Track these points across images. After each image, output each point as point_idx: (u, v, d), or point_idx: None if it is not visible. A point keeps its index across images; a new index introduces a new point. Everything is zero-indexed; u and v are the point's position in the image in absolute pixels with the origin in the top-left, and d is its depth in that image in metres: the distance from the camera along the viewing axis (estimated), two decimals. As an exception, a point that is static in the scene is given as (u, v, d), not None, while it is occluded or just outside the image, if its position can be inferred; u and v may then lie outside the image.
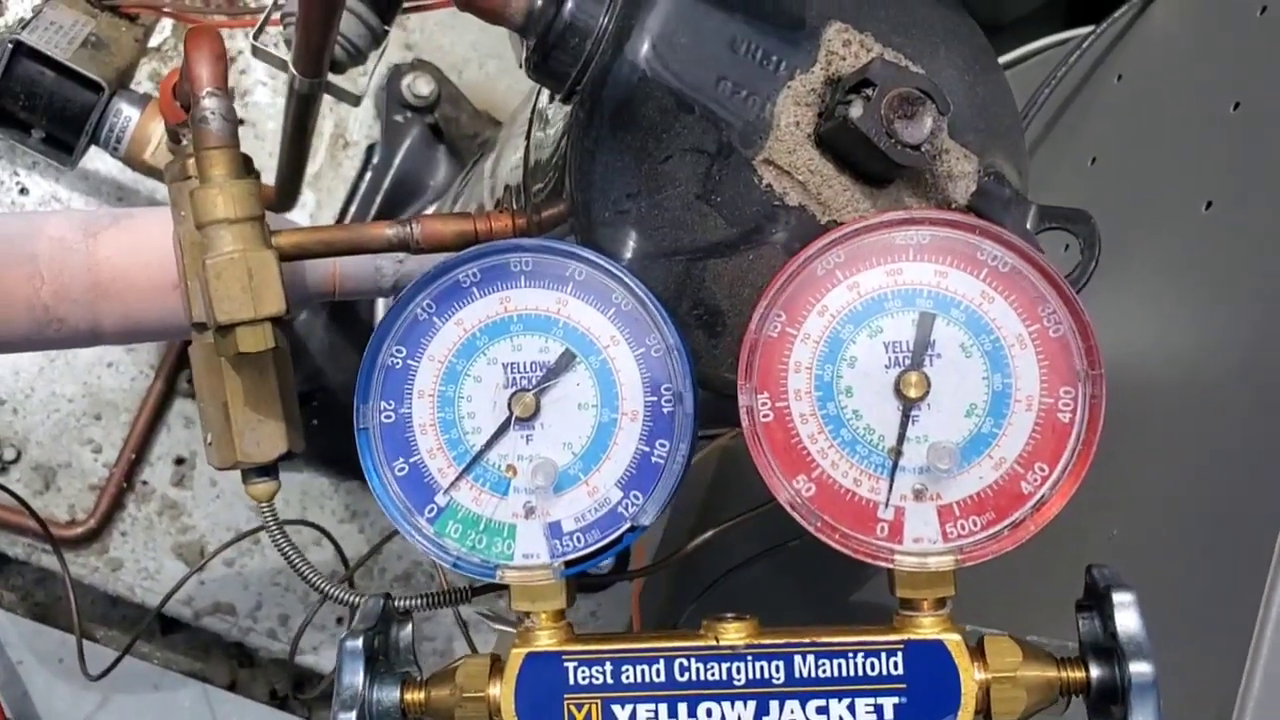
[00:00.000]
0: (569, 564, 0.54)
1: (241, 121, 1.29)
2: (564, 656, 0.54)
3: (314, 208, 1.30)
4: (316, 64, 0.73)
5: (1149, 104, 0.89)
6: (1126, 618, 0.51)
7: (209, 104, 0.58)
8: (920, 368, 0.52)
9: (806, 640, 0.53)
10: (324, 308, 1.25)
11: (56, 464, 1.22)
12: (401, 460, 0.55)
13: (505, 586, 0.56)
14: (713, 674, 0.53)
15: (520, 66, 0.62)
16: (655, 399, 0.54)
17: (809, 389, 0.53)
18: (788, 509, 0.53)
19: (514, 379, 0.55)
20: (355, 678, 0.53)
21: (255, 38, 0.78)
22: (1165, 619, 0.66)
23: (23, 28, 0.90)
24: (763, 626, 0.54)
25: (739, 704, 0.53)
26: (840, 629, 0.54)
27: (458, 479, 0.55)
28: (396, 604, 0.61)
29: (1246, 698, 0.59)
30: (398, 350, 0.55)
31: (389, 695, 0.55)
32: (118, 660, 0.96)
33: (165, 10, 1.05)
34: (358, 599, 0.63)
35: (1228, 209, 0.75)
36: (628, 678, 0.54)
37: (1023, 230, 0.59)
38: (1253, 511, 0.63)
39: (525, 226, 0.64)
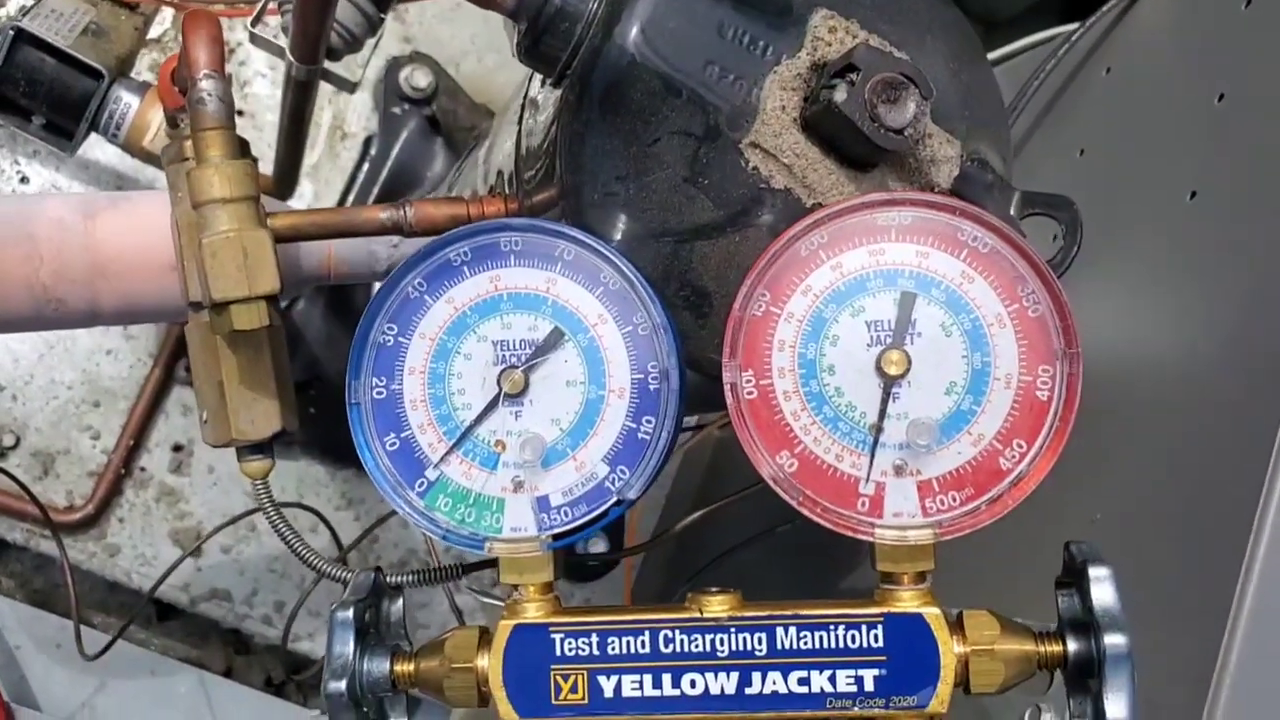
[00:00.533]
0: (556, 537, 0.55)
1: (240, 112, 1.30)
2: (551, 628, 0.55)
3: (312, 198, 1.31)
4: (313, 51, 0.74)
5: (1136, 96, 0.90)
6: (1102, 592, 0.52)
7: (205, 86, 0.59)
8: (901, 346, 0.53)
9: (789, 613, 0.54)
10: (322, 298, 1.26)
11: (55, 450, 1.23)
12: (393, 435, 0.56)
13: (495, 562, 0.57)
14: (697, 645, 0.54)
15: (514, 55, 0.63)
16: (642, 376, 0.55)
17: (792, 367, 0.54)
18: (770, 483, 0.54)
19: (503, 356, 0.56)
20: (345, 647, 0.54)
21: (253, 25, 0.79)
22: (1146, 599, 0.67)
23: (24, 15, 0.91)
24: (747, 601, 0.55)
25: (722, 675, 0.54)
26: (822, 602, 0.55)
27: (448, 454, 0.56)
28: (388, 579, 0.62)
29: (1223, 675, 0.60)
30: (389, 328, 0.56)
31: (379, 666, 0.56)
32: (113, 640, 0.97)
33: (165, -1, 1.06)
34: (349, 575, 0.64)
35: (1211, 199, 0.76)
36: (613, 649, 0.55)
37: (1006, 215, 0.60)
38: (1231, 495, 0.64)
39: (517, 210, 0.66)
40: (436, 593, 1.23)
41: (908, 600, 0.54)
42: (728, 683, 0.54)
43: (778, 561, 0.98)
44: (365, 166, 1.30)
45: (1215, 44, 0.82)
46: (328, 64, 0.79)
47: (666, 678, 0.54)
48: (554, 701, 0.55)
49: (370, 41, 0.79)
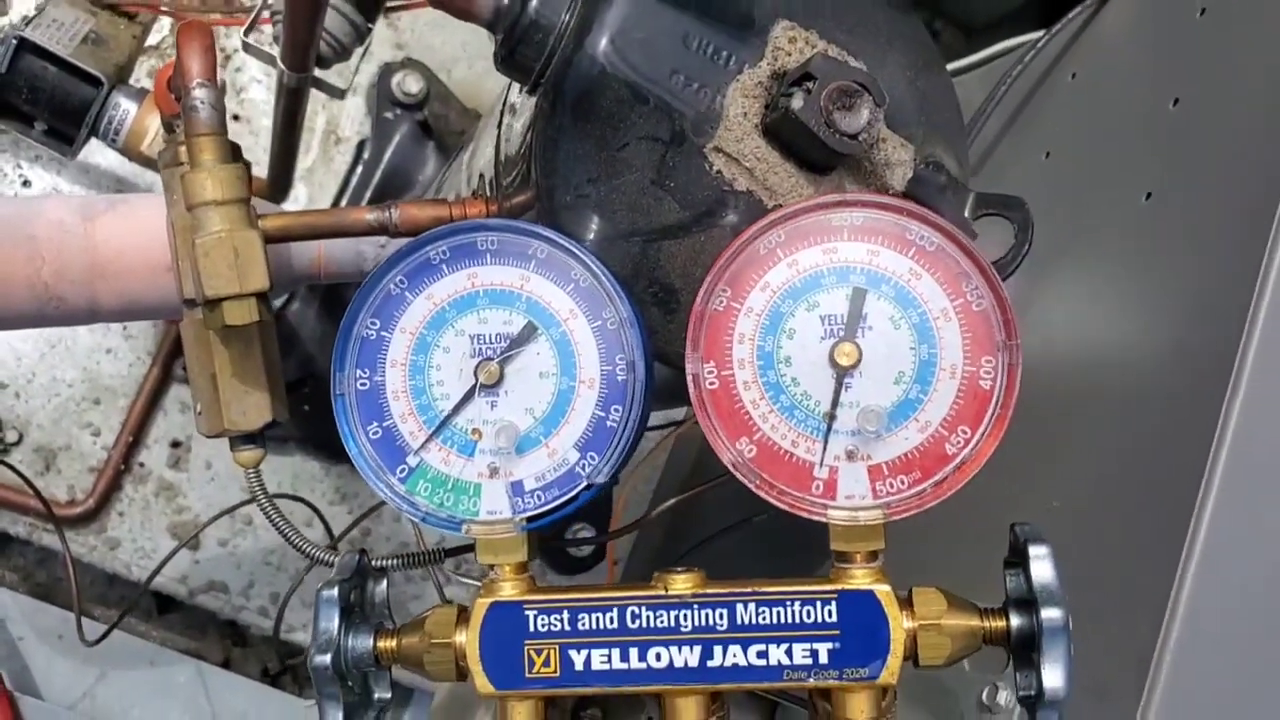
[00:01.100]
0: (530, 519, 0.59)
1: (236, 117, 1.33)
2: (525, 605, 0.58)
3: (306, 201, 1.34)
4: (303, 59, 0.77)
5: (1098, 101, 0.94)
6: (1041, 569, 0.55)
7: (198, 94, 0.62)
8: (853, 339, 0.57)
9: (748, 590, 0.57)
10: (316, 299, 1.29)
11: (57, 446, 1.26)
12: (375, 424, 0.59)
13: (473, 546, 0.60)
14: (662, 621, 0.58)
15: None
16: (610, 368, 0.59)
17: (752, 358, 0.57)
18: (731, 469, 0.57)
19: (480, 349, 0.59)
20: (331, 623, 0.58)
21: (246, 34, 0.82)
22: (1098, 580, 0.71)
23: (26, 24, 0.94)
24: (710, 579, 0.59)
25: (685, 649, 0.57)
26: (779, 580, 0.58)
27: (427, 441, 0.59)
28: (373, 563, 0.65)
29: (1164, 649, 0.63)
30: (372, 322, 0.59)
31: (363, 642, 0.59)
32: (113, 626, 1.00)
33: (163, 9, 1.09)
34: (336, 558, 0.67)
35: (1166, 199, 0.80)
36: (584, 625, 0.58)
37: (959, 215, 0.63)
38: (1175, 483, 0.67)
39: (497, 212, 0.69)
40: (429, 586, 1.26)
41: (860, 578, 0.57)
42: (691, 656, 0.57)
43: (755, 550, 1.01)
44: (358, 170, 1.33)
45: (1171, 51, 0.86)
46: (318, 71, 0.82)
47: (634, 651, 0.58)
48: (527, 675, 0.58)
49: (359, 50, 0.82)
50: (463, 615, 0.59)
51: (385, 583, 0.64)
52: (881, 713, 0.59)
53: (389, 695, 0.63)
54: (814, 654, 0.57)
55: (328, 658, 0.57)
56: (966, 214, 0.65)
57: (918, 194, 0.62)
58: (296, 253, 0.78)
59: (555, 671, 0.58)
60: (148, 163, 1.00)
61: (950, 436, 0.56)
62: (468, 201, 0.69)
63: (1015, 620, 0.57)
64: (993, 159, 1.06)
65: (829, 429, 0.57)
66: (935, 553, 0.82)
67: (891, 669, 0.56)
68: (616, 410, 0.58)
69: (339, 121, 1.35)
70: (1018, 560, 0.58)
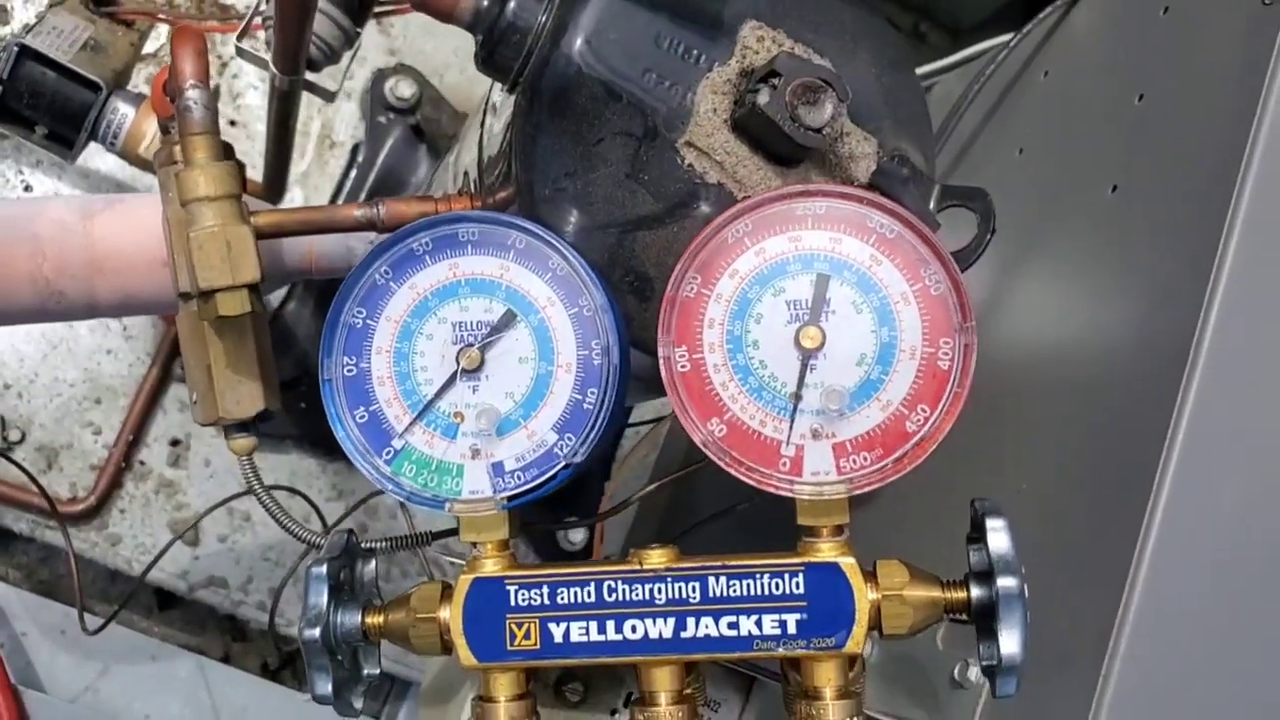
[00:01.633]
0: (510, 498, 0.61)
1: (233, 123, 1.36)
2: (506, 580, 0.61)
3: (302, 204, 1.37)
4: (294, 63, 0.80)
5: (1069, 98, 0.96)
6: (998, 540, 0.58)
7: (192, 95, 0.65)
8: (817, 322, 0.59)
9: (719, 563, 0.60)
10: (311, 298, 1.32)
11: (59, 445, 1.29)
12: (362, 409, 0.62)
13: (457, 529, 0.63)
14: (637, 594, 0.60)
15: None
16: (587, 353, 0.61)
17: (721, 342, 0.60)
18: (702, 447, 0.59)
19: (461, 336, 0.62)
20: (320, 599, 0.60)
21: (239, 39, 0.85)
22: (1062, 558, 0.73)
23: (27, 32, 0.97)
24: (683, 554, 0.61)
25: (660, 620, 0.60)
26: (749, 555, 0.60)
27: (411, 424, 0.61)
28: (362, 544, 0.68)
29: (1124, 621, 0.65)
30: (358, 311, 0.62)
31: (351, 619, 0.62)
32: (113, 615, 1.03)
33: (160, 16, 1.12)
34: (324, 539, 0.69)
35: (1130, 192, 0.82)
36: (562, 599, 0.60)
37: (923, 206, 0.66)
38: (1134, 468, 0.69)
39: (480, 207, 0.71)
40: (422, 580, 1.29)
41: (826, 551, 0.60)
42: (665, 628, 0.60)
43: (742, 538, 1.03)
44: (352, 174, 1.36)
45: (1135, 48, 0.88)
46: (309, 75, 0.85)
47: (610, 624, 0.60)
48: (509, 648, 0.61)
49: (348, 54, 0.85)
50: (447, 591, 0.62)
51: (374, 563, 0.67)
52: (849, 682, 0.61)
53: (378, 671, 0.66)
54: (782, 624, 0.59)
55: (317, 631, 0.60)
56: (931, 205, 0.68)
57: (881, 185, 0.65)
58: (288, 248, 0.81)
59: (535, 644, 0.60)
60: (146, 166, 1.03)
61: (910, 415, 0.59)
62: (452, 198, 0.71)
63: (975, 591, 0.59)
64: (969, 156, 1.08)
65: (795, 409, 0.59)
66: (911, 539, 0.85)
67: (857, 638, 0.59)
68: (592, 393, 0.61)
69: (333, 126, 1.38)
70: (978, 534, 0.60)
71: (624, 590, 0.60)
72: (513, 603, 0.61)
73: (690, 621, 0.60)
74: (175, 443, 1.32)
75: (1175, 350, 0.70)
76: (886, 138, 0.68)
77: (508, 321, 0.61)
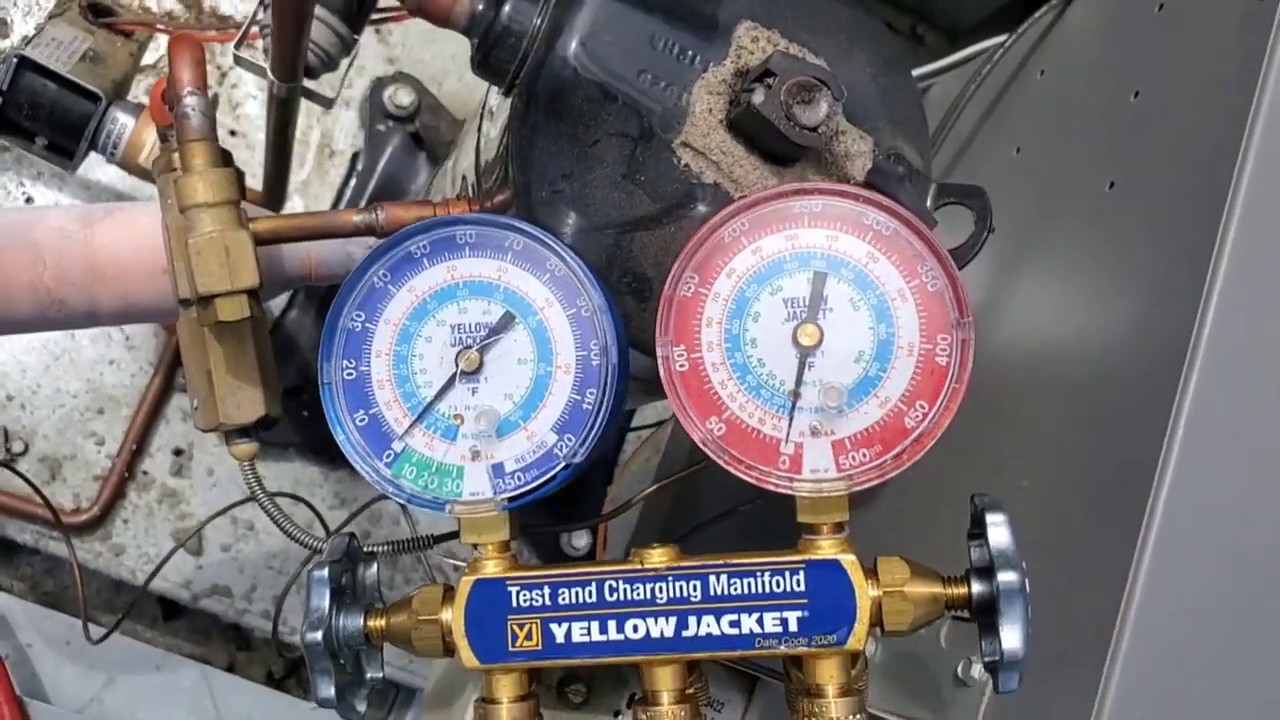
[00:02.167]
0: (511, 499, 0.61)
1: (233, 133, 1.36)
2: (508, 582, 0.61)
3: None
4: (291, 70, 0.80)
5: (1065, 96, 0.96)
6: (998, 535, 0.58)
7: (190, 102, 0.65)
8: (815, 320, 0.59)
9: (720, 562, 0.60)
10: (313, 306, 1.32)
11: (62, 456, 1.29)
12: (362, 412, 0.62)
13: (458, 533, 0.63)
14: (638, 594, 0.60)
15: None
16: (585, 353, 0.61)
17: (719, 341, 0.60)
18: (701, 446, 0.59)
19: (460, 338, 0.62)
20: (322, 602, 0.60)
21: (237, 47, 0.85)
22: (1063, 554, 0.73)
23: (26, 44, 0.97)
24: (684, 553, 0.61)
25: (661, 619, 0.60)
26: (750, 553, 0.60)
27: (411, 427, 0.62)
28: (364, 547, 0.68)
29: (1125, 618, 0.65)
30: (357, 314, 0.62)
31: (354, 621, 0.62)
32: (117, 624, 1.03)
33: (158, 26, 1.13)
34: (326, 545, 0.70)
35: (1127, 189, 0.82)
36: (564, 599, 0.60)
37: (919, 204, 0.66)
38: (1134, 464, 0.69)
39: (478, 210, 0.72)
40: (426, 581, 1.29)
41: (827, 548, 0.60)
42: (667, 626, 0.60)
43: (746, 539, 1.03)
44: (352, 182, 1.36)
45: (1131, 45, 0.88)
46: (307, 82, 0.85)
47: (612, 624, 0.60)
48: (511, 649, 0.61)
49: (345, 61, 0.85)
50: (448, 594, 0.62)
51: (375, 566, 0.67)
52: (852, 680, 0.61)
53: (381, 674, 0.66)
54: (784, 622, 0.59)
55: (319, 634, 0.60)
56: (928, 203, 0.68)
57: (877, 183, 0.65)
58: (288, 254, 0.81)
59: (537, 645, 0.60)
60: (146, 175, 1.03)
61: (909, 411, 0.59)
62: (451, 202, 0.72)
63: (976, 586, 0.59)
64: (967, 156, 1.09)
65: (794, 406, 0.59)
66: (914, 536, 0.85)
67: (858, 635, 0.59)
68: (591, 393, 0.61)
69: (333, 135, 1.39)
70: (979, 530, 0.61)
71: (625, 590, 0.60)
72: (514, 604, 0.61)
73: (692, 620, 0.60)
74: (178, 452, 1.33)
75: (1174, 346, 0.70)
76: (882, 136, 0.68)
77: (506, 323, 0.62)
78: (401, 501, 0.61)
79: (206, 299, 0.64)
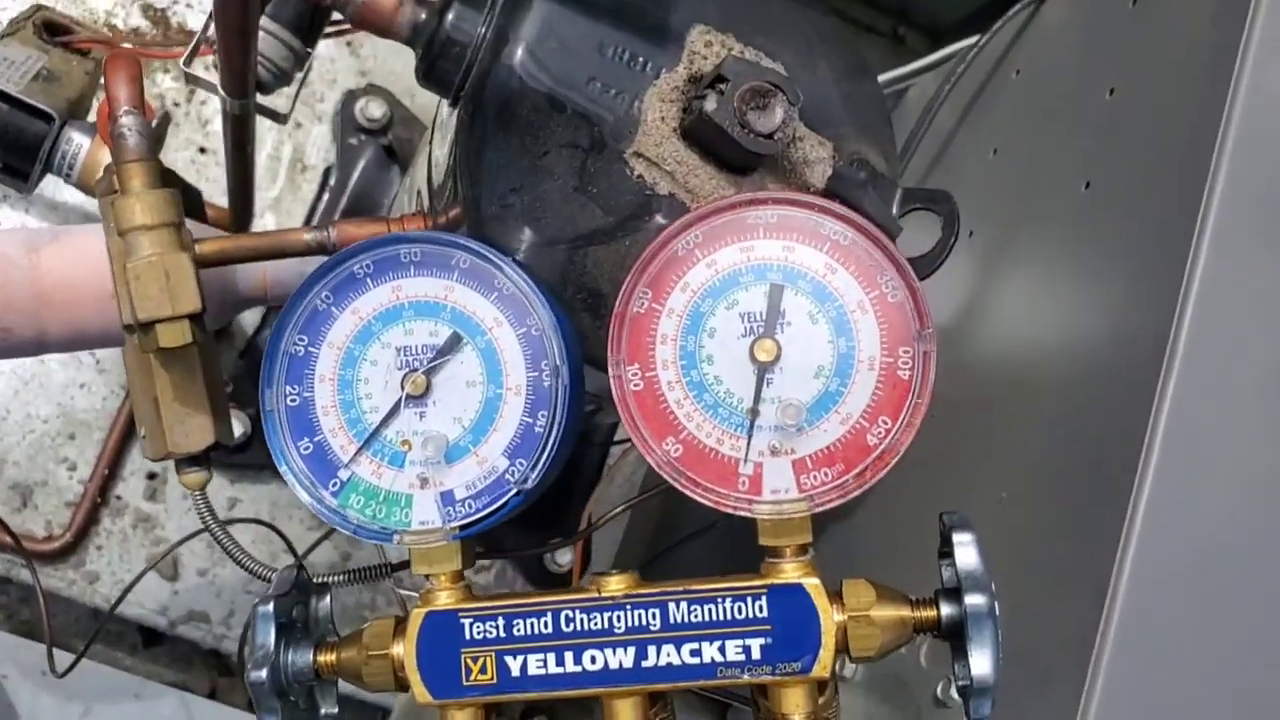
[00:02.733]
0: (461, 528, 0.59)
1: (203, 150, 1.34)
2: (460, 613, 0.59)
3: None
4: (241, 85, 0.78)
5: (1040, 95, 0.94)
6: (965, 555, 0.56)
7: (126, 121, 0.63)
8: (772, 335, 0.57)
9: (679, 589, 0.58)
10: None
11: (33, 482, 1.27)
12: (306, 439, 0.60)
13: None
14: (595, 624, 0.58)
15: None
16: (536, 374, 0.59)
17: (674, 359, 0.58)
18: (656, 468, 0.57)
19: (406, 360, 0.60)
20: (268, 639, 0.58)
21: (186, 64, 0.83)
22: (1044, 568, 0.71)
23: (-23, 65, 0.95)
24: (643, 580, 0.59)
25: (620, 650, 0.58)
26: (711, 579, 0.58)
27: (357, 454, 0.59)
28: (318, 578, 0.66)
29: (1106, 631, 0.63)
30: (300, 338, 0.60)
31: (303, 657, 0.60)
32: (81, 654, 1.00)
33: (118, 45, 1.11)
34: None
35: (1103, 188, 0.80)
36: (519, 630, 0.58)
37: (884, 210, 0.64)
38: (1114, 467, 0.67)
39: (433, 229, 0.69)
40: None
41: (790, 572, 0.57)
42: (625, 657, 0.58)
43: (729, 549, 1.01)
44: (325, 196, 1.34)
45: (1105, 43, 0.86)
46: (260, 98, 0.83)
47: (569, 655, 0.58)
48: (465, 683, 0.58)
49: (299, 75, 0.83)
50: (400, 626, 0.60)
51: (328, 598, 0.64)
52: (820, 708, 0.59)
53: (335, 710, 0.64)
54: (746, 650, 0.57)
55: (264, 672, 0.57)
56: (894, 209, 0.66)
57: (838, 190, 0.62)
58: (242, 276, 0.79)
59: (492, 679, 0.58)
60: (105, 196, 1.01)
61: (871, 427, 0.57)
62: (405, 218, 0.70)
63: (945, 609, 0.57)
64: (944, 159, 1.07)
65: (752, 425, 0.57)
66: (901, 554, 0.83)
67: (824, 662, 0.57)
68: (543, 415, 0.59)
69: (305, 149, 1.36)
70: (948, 549, 0.58)
71: (582, 620, 0.58)
72: (467, 636, 0.58)
73: (651, 650, 0.58)
74: (152, 476, 1.30)
75: (1151, 348, 0.68)
76: (846, 142, 0.66)
77: (453, 344, 0.59)
78: (348, 533, 0.59)
79: (147, 325, 0.62)
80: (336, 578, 0.69)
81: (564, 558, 1.33)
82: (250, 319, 1.30)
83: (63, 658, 1.02)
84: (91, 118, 1.06)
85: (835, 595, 0.57)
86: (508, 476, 0.59)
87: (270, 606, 0.59)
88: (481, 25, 0.62)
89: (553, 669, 0.58)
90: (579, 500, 1.24)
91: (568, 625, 0.58)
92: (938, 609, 0.57)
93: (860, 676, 0.80)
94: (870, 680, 0.80)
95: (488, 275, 0.59)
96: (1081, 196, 0.82)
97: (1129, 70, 0.82)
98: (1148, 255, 0.73)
